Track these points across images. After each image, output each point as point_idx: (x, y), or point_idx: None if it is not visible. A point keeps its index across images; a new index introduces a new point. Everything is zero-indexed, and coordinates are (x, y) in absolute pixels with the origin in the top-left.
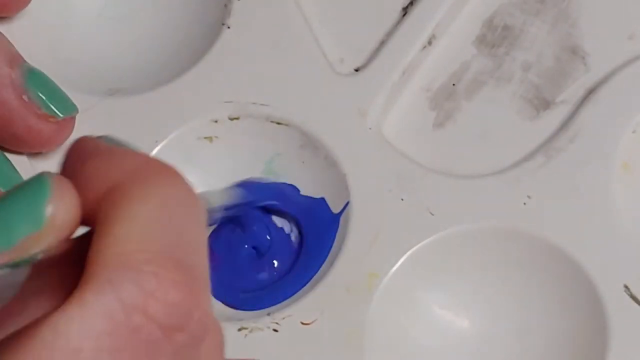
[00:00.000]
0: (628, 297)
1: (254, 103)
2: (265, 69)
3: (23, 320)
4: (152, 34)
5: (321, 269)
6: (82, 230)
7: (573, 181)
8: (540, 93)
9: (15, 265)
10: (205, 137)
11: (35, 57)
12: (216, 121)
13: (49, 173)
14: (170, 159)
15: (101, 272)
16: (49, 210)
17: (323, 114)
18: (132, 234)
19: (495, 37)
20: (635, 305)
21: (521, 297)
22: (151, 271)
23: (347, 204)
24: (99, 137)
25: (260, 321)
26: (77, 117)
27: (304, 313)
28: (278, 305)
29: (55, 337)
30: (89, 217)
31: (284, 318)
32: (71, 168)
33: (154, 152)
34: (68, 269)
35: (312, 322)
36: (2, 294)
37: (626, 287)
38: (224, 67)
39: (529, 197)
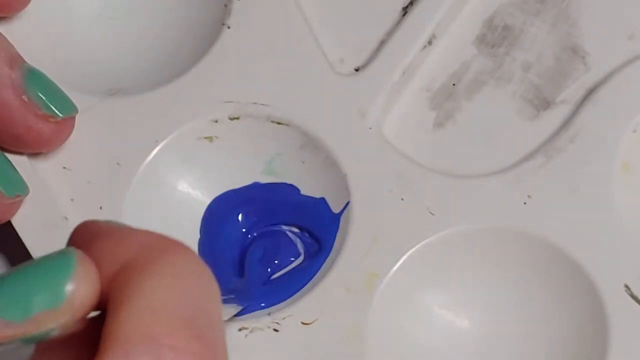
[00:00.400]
0: (629, 297)
1: (254, 103)
2: (265, 69)
3: None
4: (152, 34)
5: (321, 269)
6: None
7: (573, 181)
8: (540, 93)
9: (27, 341)
10: (206, 137)
11: (35, 57)
12: (216, 121)
13: (74, 250)
14: (170, 159)
15: (117, 346)
16: (70, 287)
17: (323, 114)
18: (147, 308)
19: (496, 37)
20: (636, 305)
21: (521, 297)
22: (169, 344)
23: (347, 204)
24: (104, 221)
25: (261, 321)
26: (78, 117)
27: (304, 313)
28: (278, 305)
29: None
30: (100, 298)
31: (284, 318)
32: (80, 247)
33: (154, 153)
34: (78, 350)
35: (313, 322)
36: None
37: (627, 286)
38: (224, 67)
39: (529, 197)
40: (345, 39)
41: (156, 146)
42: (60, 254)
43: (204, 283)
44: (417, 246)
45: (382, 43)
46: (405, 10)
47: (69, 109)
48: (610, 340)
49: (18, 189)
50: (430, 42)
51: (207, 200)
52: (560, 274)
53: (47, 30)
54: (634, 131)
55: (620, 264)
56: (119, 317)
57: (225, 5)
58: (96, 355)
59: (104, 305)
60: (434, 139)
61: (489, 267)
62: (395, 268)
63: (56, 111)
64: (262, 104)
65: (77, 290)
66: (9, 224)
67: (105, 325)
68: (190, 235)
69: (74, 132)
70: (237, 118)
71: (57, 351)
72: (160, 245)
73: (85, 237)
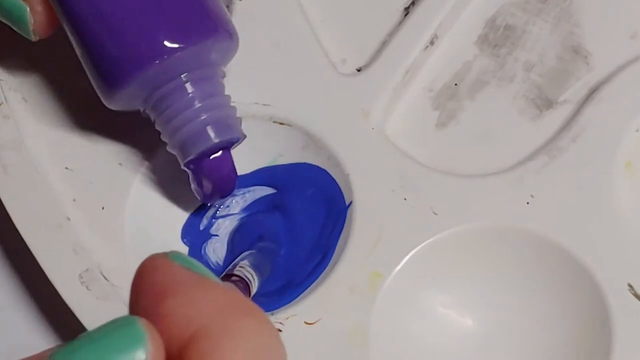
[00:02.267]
0: (632, 296)
1: (256, 103)
2: (267, 70)
3: None
4: None
5: (323, 269)
6: None
7: (576, 180)
8: (542, 93)
9: None
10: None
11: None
12: None
13: (140, 320)
14: (173, 159)
15: None
16: (144, 359)
17: (326, 114)
18: None
19: (498, 37)
20: (639, 303)
21: (525, 296)
22: None
23: (350, 204)
24: (169, 257)
25: None
26: (80, 118)
27: (307, 313)
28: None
29: None
30: None
31: (287, 318)
32: (147, 303)
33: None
34: None
35: (316, 321)
36: None
37: (630, 286)
38: (226, 68)
39: (532, 196)
40: (347, 39)
41: (158, 147)
42: (128, 324)
43: (277, 354)
44: (420, 246)
45: (384, 43)
46: (407, 11)
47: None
48: (614, 339)
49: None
50: (432, 42)
51: None
52: (564, 273)
53: None
54: (637, 130)
55: (624, 263)
56: None
57: (227, 6)
58: None
59: None
60: (436, 138)
61: (492, 266)
62: (398, 268)
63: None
64: (264, 105)
65: None
66: (10, 223)
67: None
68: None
69: (74, 133)
70: (240, 118)
71: None
72: (235, 311)
73: (154, 288)
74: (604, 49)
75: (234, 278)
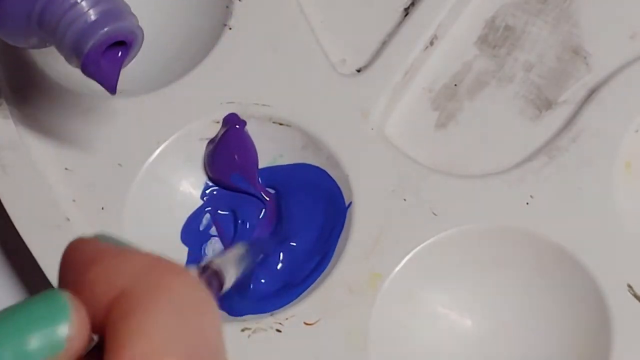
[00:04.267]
0: (631, 296)
1: (255, 104)
2: (267, 70)
3: None
4: (153, 36)
5: (323, 269)
6: None
7: (576, 181)
8: (542, 93)
9: None
10: (208, 138)
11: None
12: (218, 122)
13: (64, 293)
14: (172, 160)
15: None
16: (67, 334)
17: (325, 114)
18: (148, 348)
19: (497, 37)
20: (639, 304)
21: (524, 296)
22: None
23: (350, 204)
24: (95, 237)
25: (264, 321)
26: (80, 119)
27: (307, 313)
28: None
29: None
30: (96, 328)
31: (287, 318)
32: (73, 275)
33: (156, 154)
34: None
35: (315, 322)
36: None
37: (629, 286)
38: (225, 69)
39: (531, 197)
40: (347, 40)
41: (158, 147)
42: (51, 298)
43: (205, 310)
44: (419, 246)
45: (384, 44)
46: (406, 11)
47: None
48: (614, 339)
49: None
50: (431, 43)
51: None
52: (563, 273)
53: None
54: (636, 131)
55: (623, 263)
56: (119, 357)
57: (227, 7)
58: None
59: (99, 333)
60: (436, 139)
61: (492, 267)
62: (398, 268)
63: None
64: (264, 105)
65: (75, 336)
66: (10, 223)
67: None
68: None
69: (75, 134)
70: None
71: None
72: (157, 272)
73: (79, 261)
74: (604, 49)
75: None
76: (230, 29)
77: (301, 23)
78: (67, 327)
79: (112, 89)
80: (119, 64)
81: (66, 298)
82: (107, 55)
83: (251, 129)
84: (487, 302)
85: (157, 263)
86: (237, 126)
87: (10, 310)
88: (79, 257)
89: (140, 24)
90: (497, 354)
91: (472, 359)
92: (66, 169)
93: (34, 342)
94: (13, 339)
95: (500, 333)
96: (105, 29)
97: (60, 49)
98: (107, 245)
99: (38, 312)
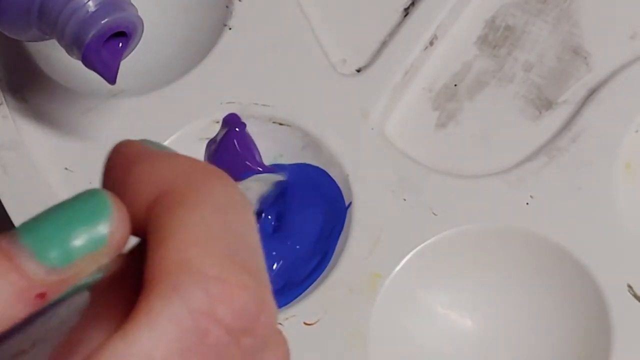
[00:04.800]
0: (631, 296)
1: (256, 104)
2: (267, 70)
3: (84, 349)
4: (154, 36)
5: (323, 269)
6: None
7: (575, 181)
8: (542, 93)
9: (76, 290)
10: (208, 138)
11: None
12: (218, 122)
13: (105, 192)
14: None
15: (165, 280)
16: (109, 230)
17: (325, 114)
18: (191, 240)
19: (497, 37)
20: (639, 304)
21: (524, 297)
22: (216, 275)
23: (350, 204)
24: (141, 141)
25: None
26: (80, 118)
27: (307, 313)
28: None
29: (127, 347)
30: (138, 226)
31: (287, 318)
32: (116, 175)
33: None
34: (122, 288)
35: (316, 322)
36: (64, 324)
37: (629, 286)
38: (225, 68)
39: (531, 197)
40: (347, 40)
41: None
42: (91, 198)
43: (244, 212)
44: (419, 246)
45: (384, 44)
46: (406, 11)
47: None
48: (613, 339)
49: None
50: (431, 43)
51: None
52: (563, 273)
53: None
54: (637, 131)
55: (623, 263)
56: (163, 251)
57: (227, 7)
58: (142, 291)
59: (142, 234)
60: (436, 139)
61: (492, 267)
62: (398, 268)
63: None
64: (264, 105)
65: (116, 231)
66: (10, 223)
67: (149, 259)
68: None
69: (75, 133)
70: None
71: (105, 293)
72: (199, 173)
73: (122, 161)
74: (604, 49)
75: None
76: (230, 29)
77: (301, 23)
78: (109, 225)
79: (112, 79)
80: (120, 55)
81: (107, 196)
82: (108, 45)
83: (251, 129)
84: (487, 302)
85: (200, 165)
86: (237, 129)
87: (54, 209)
88: (122, 159)
89: None
90: (497, 354)
91: (472, 359)
92: (66, 168)
93: (78, 238)
94: (57, 235)
95: (500, 333)
96: (106, 20)
97: (60, 40)
98: (149, 148)
99: (81, 210)
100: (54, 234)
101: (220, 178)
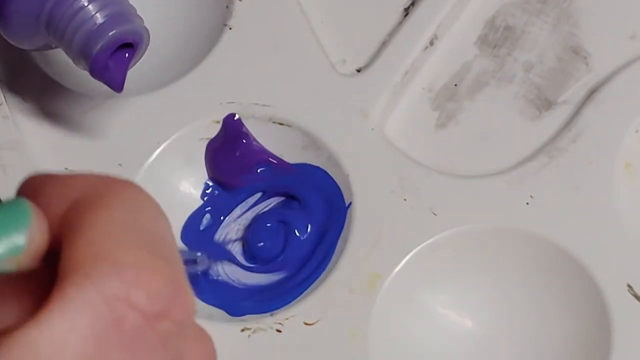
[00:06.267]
0: (631, 296)
1: (256, 104)
2: (267, 70)
3: None
4: (153, 36)
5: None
6: None
7: (575, 181)
8: (542, 93)
9: None
10: (208, 138)
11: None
12: (218, 122)
13: (25, 200)
14: (172, 160)
15: (78, 268)
16: (27, 238)
17: (325, 114)
18: (103, 234)
19: (497, 37)
20: (639, 304)
21: (524, 297)
22: (129, 262)
23: (350, 204)
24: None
25: (264, 321)
26: (80, 118)
27: (307, 313)
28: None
29: (40, 333)
30: (53, 238)
31: (287, 318)
32: (29, 195)
33: (156, 153)
34: (35, 284)
35: (315, 322)
36: None
37: (629, 286)
38: (225, 68)
39: (531, 197)
40: (347, 40)
41: (158, 147)
42: (13, 206)
43: (153, 213)
44: (419, 246)
45: (384, 44)
46: (406, 11)
47: None
48: (613, 339)
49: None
50: (431, 43)
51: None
52: (563, 273)
53: None
54: (636, 131)
55: (623, 263)
56: (76, 246)
57: (227, 7)
58: (57, 280)
59: (57, 244)
60: (436, 139)
61: (492, 267)
62: (398, 268)
63: None
64: (264, 105)
65: (34, 239)
66: None
67: (63, 255)
68: None
69: (75, 133)
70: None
71: (15, 284)
72: (106, 183)
73: (34, 184)
74: (604, 49)
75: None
76: (230, 29)
77: (301, 23)
78: (28, 233)
79: (119, 88)
80: (126, 65)
81: (28, 205)
82: (115, 56)
83: (251, 129)
84: (487, 302)
85: (106, 176)
86: (237, 131)
87: None
88: (34, 182)
89: None
90: (497, 353)
91: (472, 359)
92: (66, 169)
93: None
94: None
95: (500, 333)
96: (113, 32)
97: (68, 51)
98: (59, 173)
99: (2, 218)
100: None
101: (130, 186)
